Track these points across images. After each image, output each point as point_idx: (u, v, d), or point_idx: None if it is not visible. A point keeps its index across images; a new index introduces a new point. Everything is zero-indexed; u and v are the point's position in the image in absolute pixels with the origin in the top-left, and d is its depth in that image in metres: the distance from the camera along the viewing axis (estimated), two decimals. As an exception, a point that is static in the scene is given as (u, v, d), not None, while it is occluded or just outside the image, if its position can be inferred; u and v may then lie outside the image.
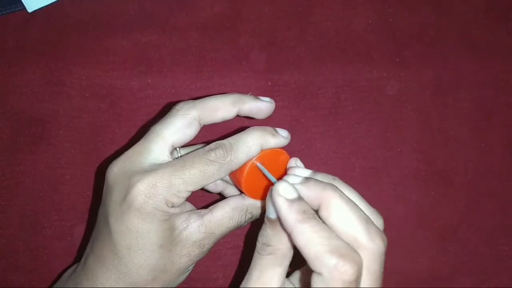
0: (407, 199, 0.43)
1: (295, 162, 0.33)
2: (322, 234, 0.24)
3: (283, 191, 0.25)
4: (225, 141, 0.31)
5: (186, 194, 0.30)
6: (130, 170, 0.30)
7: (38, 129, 0.42)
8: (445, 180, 0.44)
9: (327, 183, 0.27)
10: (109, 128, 0.42)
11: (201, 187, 0.30)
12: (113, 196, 0.30)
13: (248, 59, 0.43)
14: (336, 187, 0.27)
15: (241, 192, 0.34)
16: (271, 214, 0.26)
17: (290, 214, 0.25)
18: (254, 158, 0.32)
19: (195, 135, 0.32)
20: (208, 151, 0.30)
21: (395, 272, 0.42)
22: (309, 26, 0.45)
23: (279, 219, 0.26)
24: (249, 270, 0.28)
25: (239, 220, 0.32)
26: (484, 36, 0.46)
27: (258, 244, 0.28)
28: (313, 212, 0.25)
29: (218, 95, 0.33)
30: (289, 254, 0.27)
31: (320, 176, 0.30)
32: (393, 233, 0.43)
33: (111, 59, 0.43)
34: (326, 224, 0.25)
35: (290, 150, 0.42)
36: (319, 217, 0.26)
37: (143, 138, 0.32)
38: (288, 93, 0.43)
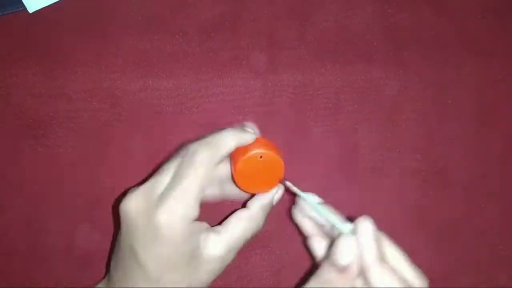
0: (406, 199, 0.43)
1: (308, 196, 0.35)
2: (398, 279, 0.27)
3: (371, 224, 0.28)
4: (202, 141, 0.32)
5: (197, 204, 0.31)
6: (148, 202, 0.31)
7: (39, 130, 0.42)
8: (444, 180, 0.44)
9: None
10: (109, 129, 0.42)
11: (204, 188, 0.31)
12: (137, 228, 0.31)
13: (248, 60, 0.44)
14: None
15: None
16: (344, 258, 0.28)
17: (374, 250, 0.27)
18: (252, 152, 0.34)
19: None
20: (191, 155, 0.32)
21: (394, 272, 0.42)
22: (309, 27, 0.45)
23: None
24: None
25: (255, 228, 0.34)
26: (484, 36, 0.46)
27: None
28: None
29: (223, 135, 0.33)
30: None
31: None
32: (392, 233, 0.43)
33: (111, 60, 0.43)
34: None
35: (291, 150, 0.43)
36: None
37: (155, 174, 0.33)
38: (288, 93, 0.44)
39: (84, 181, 0.42)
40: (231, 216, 0.34)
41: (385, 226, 0.43)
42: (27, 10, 0.43)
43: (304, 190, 0.43)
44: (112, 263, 0.34)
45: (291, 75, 0.44)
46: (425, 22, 0.46)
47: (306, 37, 0.45)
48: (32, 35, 0.43)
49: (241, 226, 0.33)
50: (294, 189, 0.34)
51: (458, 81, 0.45)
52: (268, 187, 0.35)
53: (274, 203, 0.35)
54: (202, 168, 0.31)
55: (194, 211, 0.31)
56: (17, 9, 0.43)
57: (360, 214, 0.43)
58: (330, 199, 0.43)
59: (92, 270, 0.41)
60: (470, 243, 0.43)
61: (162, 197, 0.31)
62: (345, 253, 0.28)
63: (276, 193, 0.35)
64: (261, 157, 0.34)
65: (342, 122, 0.44)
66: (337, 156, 0.43)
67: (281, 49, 0.44)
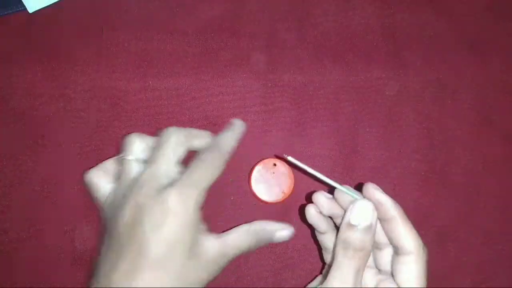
0: (406, 199, 0.43)
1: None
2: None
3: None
4: (210, 145, 0.34)
5: (205, 192, 0.32)
6: (154, 188, 0.31)
7: (39, 130, 0.42)
8: (444, 180, 0.44)
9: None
10: (109, 129, 0.42)
11: (213, 180, 0.33)
12: (143, 211, 0.31)
13: (248, 60, 0.44)
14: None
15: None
16: (367, 220, 0.32)
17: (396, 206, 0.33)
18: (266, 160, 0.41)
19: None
20: (204, 153, 0.33)
21: (394, 272, 0.42)
22: (309, 27, 0.45)
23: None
24: (338, 272, 0.31)
25: (250, 242, 0.34)
26: (484, 36, 0.46)
27: (348, 251, 0.31)
28: None
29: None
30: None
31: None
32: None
33: (112, 60, 0.43)
34: None
35: (291, 150, 0.43)
36: None
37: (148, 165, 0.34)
38: (288, 93, 0.44)
39: (83, 181, 0.42)
40: (235, 227, 0.34)
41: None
42: (27, 10, 0.43)
43: (303, 191, 0.43)
44: (101, 258, 0.33)
45: (291, 75, 0.44)
46: (425, 22, 0.46)
47: (306, 37, 0.45)
48: (32, 35, 0.43)
49: (239, 236, 0.33)
50: (318, 175, 0.35)
51: (458, 81, 0.45)
52: (278, 196, 0.41)
53: (277, 239, 0.35)
54: (219, 162, 0.33)
55: (203, 199, 0.32)
56: (17, 9, 0.43)
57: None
58: (330, 199, 0.43)
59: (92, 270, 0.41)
60: (470, 243, 0.43)
61: (178, 179, 0.32)
62: (365, 214, 0.32)
63: (282, 230, 0.35)
64: (275, 164, 0.41)
65: (342, 122, 0.44)
66: (337, 156, 0.43)
67: (281, 50, 0.44)
